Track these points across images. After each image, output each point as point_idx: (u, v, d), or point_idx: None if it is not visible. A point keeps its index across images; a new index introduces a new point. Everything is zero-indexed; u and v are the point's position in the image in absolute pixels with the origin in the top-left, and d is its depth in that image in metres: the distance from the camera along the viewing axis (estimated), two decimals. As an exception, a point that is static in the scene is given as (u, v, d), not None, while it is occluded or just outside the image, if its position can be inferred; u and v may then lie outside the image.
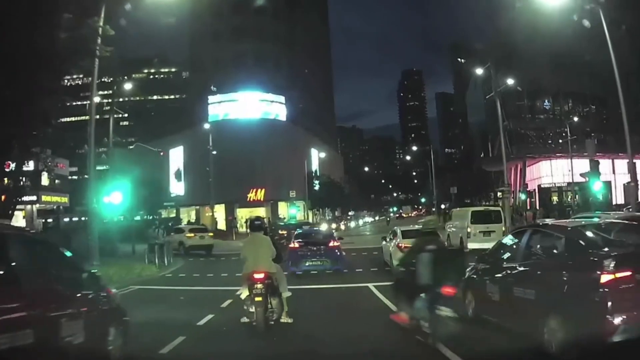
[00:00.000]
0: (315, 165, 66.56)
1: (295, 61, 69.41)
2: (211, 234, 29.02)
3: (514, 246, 7.11)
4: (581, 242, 5.82)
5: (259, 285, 7.33)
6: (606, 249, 5.43)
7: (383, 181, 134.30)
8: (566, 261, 5.78)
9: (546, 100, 64.86)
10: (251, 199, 57.83)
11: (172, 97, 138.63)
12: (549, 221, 9.57)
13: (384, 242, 17.13)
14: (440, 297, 6.26)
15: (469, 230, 20.15)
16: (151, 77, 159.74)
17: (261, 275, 7.43)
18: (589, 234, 5.98)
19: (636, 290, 4.88)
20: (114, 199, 16.26)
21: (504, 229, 19.86)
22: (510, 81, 26.17)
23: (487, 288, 7.06)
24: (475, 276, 7.67)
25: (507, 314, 6.49)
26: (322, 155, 64.03)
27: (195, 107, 64.48)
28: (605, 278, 4.99)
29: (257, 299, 7.29)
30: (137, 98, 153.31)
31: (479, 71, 27.16)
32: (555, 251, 6.16)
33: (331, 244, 15.71)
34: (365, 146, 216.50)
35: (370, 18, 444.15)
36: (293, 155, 58.16)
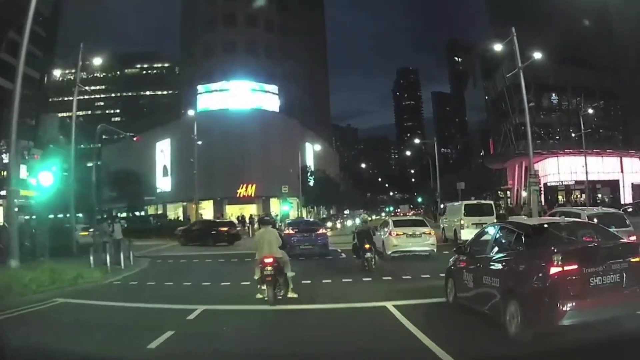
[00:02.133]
0: (309, 161, 62.94)
1: (290, 52, 65.71)
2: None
3: (485, 240, 7.83)
4: (537, 238, 6.57)
5: (269, 268, 8.93)
6: (557, 245, 6.12)
7: (380, 179, 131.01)
8: (524, 255, 6.55)
9: (553, 94, 61.69)
10: (241, 195, 53.95)
11: (165, 92, 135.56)
12: (515, 218, 10.49)
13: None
14: (364, 250, 13.81)
15: (462, 222, 21.50)
16: (144, 72, 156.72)
17: (270, 260, 9.04)
18: (544, 231, 6.71)
19: (582, 281, 5.67)
20: (43, 180, 12.52)
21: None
22: (537, 55, 22.70)
23: (463, 276, 7.86)
24: (454, 266, 8.50)
25: (478, 300, 7.24)
26: (318, 148, 59.94)
27: (184, 98, 60.63)
28: (554, 270, 5.75)
29: (267, 279, 8.91)
30: (130, 94, 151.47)
31: (498, 47, 23.64)
32: (516, 246, 6.85)
33: (320, 231, 19.60)
34: (361, 146, 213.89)
35: (365, 19, 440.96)
36: (286, 148, 54.43)
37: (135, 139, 29.86)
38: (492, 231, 7.76)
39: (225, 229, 26.59)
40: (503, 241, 7.23)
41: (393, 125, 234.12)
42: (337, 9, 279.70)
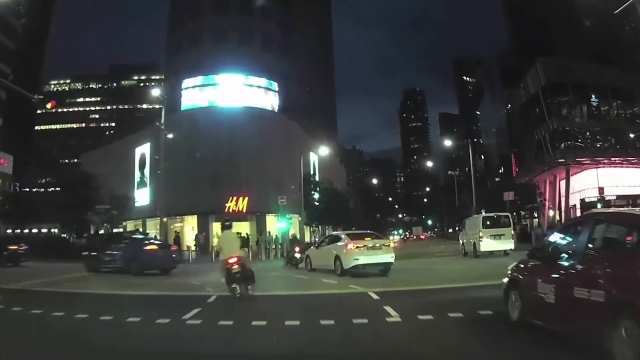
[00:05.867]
0: (313, 172, 54.28)
1: (292, 48, 57.96)
2: None
3: (573, 240, 6.07)
4: None
5: (235, 267, 10.61)
6: None
7: (390, 199, 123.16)
8: None
9: (593, 96, 53.42)
10: (231, 210, 44.95)
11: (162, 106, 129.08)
12: (611, 210, 8.01)
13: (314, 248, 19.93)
14: (294, 252, 22.35)
15: (480, 234, 22.65)
16: (141, 85, 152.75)
17: (234, 260, 10.68)
18: None
19: None
20: None
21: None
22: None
23: (538, 288, 6.10)
24: (521, 276, 6.84)
25: (566, 318, 5.57)
26: (325, 152, 50.57)
27: (169, 94, 52.58)
28: None
29: (236, 276, 10.59)
30: (126, 106, 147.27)
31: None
32: (627, 246, 5.06)
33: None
34: (366, 168, 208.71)
35: (370, 41, 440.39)
36: (286, 156, 45.61)
37: (49, 104, 21.60)
38: (580, 228, 5.82)
39: (14, 247, 24.48)
40: (603, 240, 5.45)
41: (398, 149, 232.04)
42: (342, 34, 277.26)
